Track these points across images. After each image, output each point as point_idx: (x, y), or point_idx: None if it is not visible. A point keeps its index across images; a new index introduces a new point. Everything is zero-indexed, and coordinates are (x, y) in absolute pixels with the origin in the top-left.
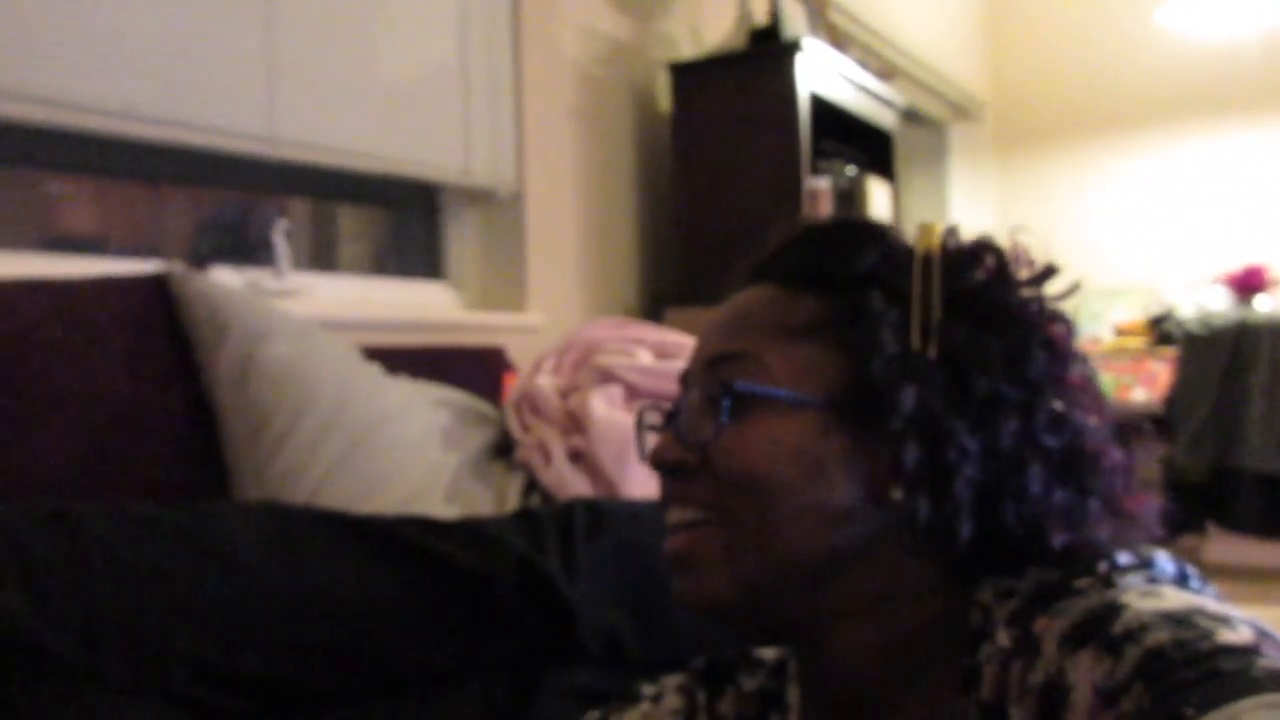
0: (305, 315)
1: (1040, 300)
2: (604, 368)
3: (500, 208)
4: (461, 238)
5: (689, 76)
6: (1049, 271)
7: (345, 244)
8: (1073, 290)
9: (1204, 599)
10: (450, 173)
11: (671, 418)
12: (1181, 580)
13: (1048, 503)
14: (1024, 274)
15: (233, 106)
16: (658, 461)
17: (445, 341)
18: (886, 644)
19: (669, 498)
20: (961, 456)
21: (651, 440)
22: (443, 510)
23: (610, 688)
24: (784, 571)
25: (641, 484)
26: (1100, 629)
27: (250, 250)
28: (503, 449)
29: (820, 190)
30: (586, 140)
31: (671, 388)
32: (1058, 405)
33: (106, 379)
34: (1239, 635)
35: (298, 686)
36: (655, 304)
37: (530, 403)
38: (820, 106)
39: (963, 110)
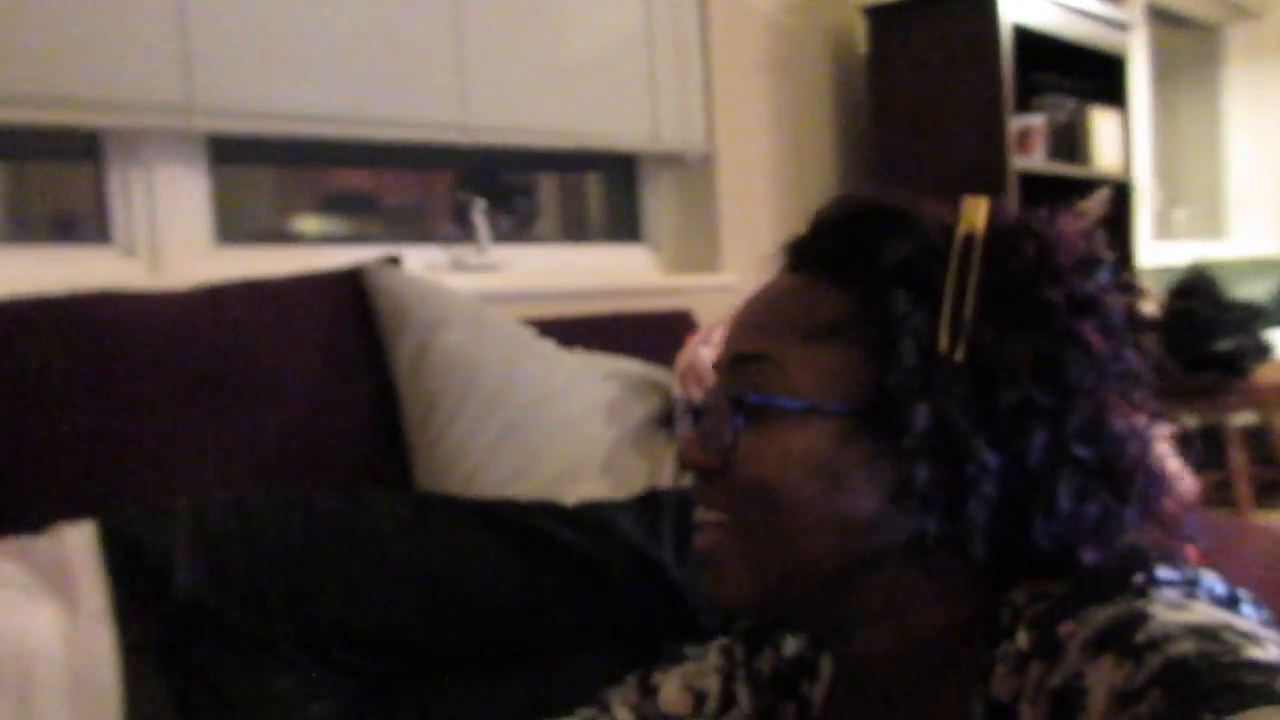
0: (505, 287)
1: (1085, 292)
2: None
3: (691, 170)
4: (657, 201)
5: (885, 18)
6: (1092, 262)
7: (547, 212)
8: (1129, 287)
9: (1239, 618)
10: (639, 141)
11: (699, 415)
12: (1231, 602)
13: (1079, 518)
14: (1068, 260)
15: (429, 101)
16: (683, 461)
17: (641, 306)
18: (912, 644)
19: (696, 496)
20: (980, 473)
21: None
22: (596, 484)
23: None
24: (803, 580)
25: None
26: (1123, 636)
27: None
28: (670, 418)
29: (1032, 128)
30: (778, 93)
31: None
32: (1094, 412)
33: (303, 370)
34: (1267, 653)
35: (432, 652)
36: None
37: (694, 372)
38: (1028, 38)
39: (1241, 8)
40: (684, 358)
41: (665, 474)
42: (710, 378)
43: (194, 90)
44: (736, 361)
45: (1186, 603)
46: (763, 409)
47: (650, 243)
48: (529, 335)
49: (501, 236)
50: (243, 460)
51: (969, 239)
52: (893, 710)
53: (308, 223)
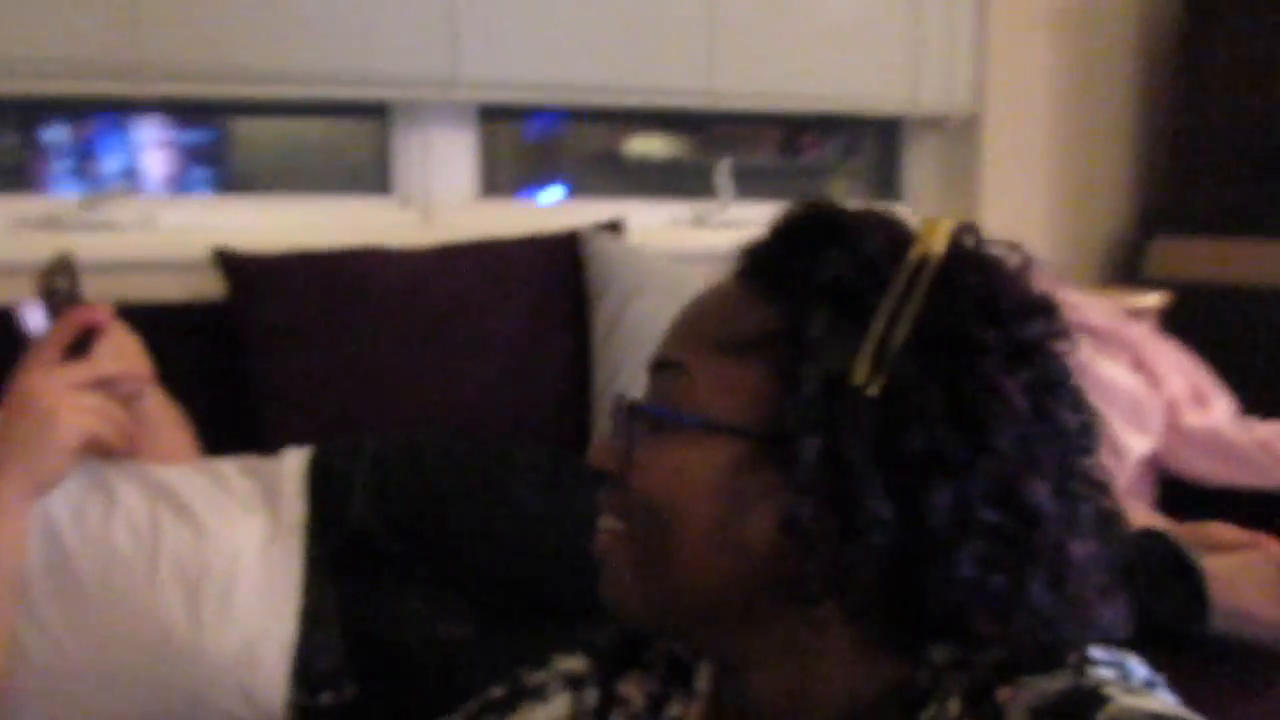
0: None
1: (1024, 339)
2: None
3: (954, 132)
4: (917, 163)
5: None
6: (1040, 306)
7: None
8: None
9: (1185, 711)
10: (895, 103)
11: (616, 416)
12: (1151, 687)
13: (979, 588)
14: (1011, 301)
15: (678, 68)
16: (591, 461)
17: None
18: (813, 694)
19: (601, 499)
20: (870, 521)
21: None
22: None
23: None
24: (691, 603)
25: None
26: (1081, 714)
27: None
28: None
29: None
30: (1065, 49)
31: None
32: (1008, 475)
33: (514, 327)
34: None
35: (550, 597)
36: (1144, 230)
37: None
38: None
39: None
40: None
41: None
42: None
43: (462, 65)
44: (654, 366)
45: (1140, 689)
46: (661, 420)
47: (908, 206)
48: None
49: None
50: (454, 405)
51: (921, 263)
52: None
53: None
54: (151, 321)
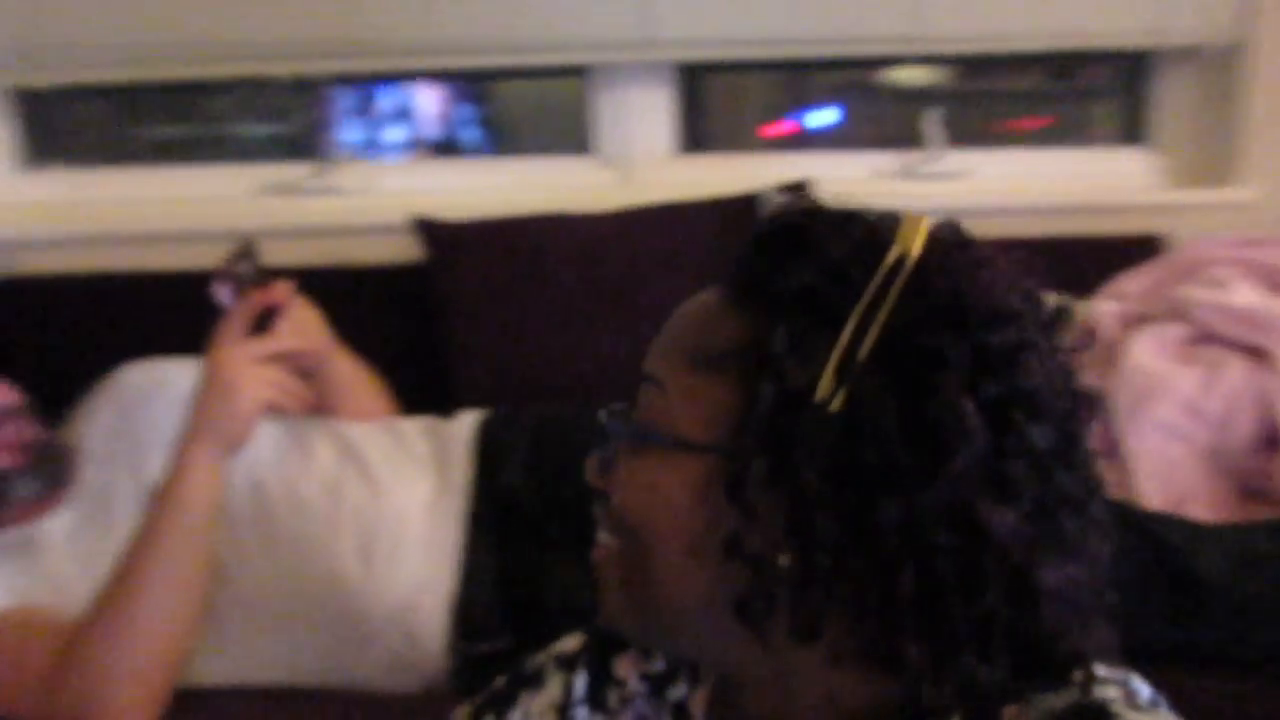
0: (958, 199)
1: (995, 350)
2: (1177, 300)
3: (1211, 65)
4: (1162, 100)
5: None
6: (1014, 314)
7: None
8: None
9: None
10: (1139, 35)
11: (603, 433)
12: (1154, 706)
13: (924, 612)
14: (981, 308)
15: (884, 14)
16: (586, 475)
17: (1126, 227)
18: (795, 704)
19: (597, 517)
20: (815, 546)
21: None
22: None
23: None
24: (671, 621)
25: (1153, 445)
26: None
27: None
28: None
29: None
30: None
31: (1259, 337)
32: (968, 496)
33: (675, 294)
34: None
35: None
36: None
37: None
38: None
39: None
40: (1079, 313)
41: None
42: (1097, 340)
43: (657, 27)
44: (642, 381)
45: (1149, 708)
46: (635, 437)
47: (1155, 147)
48: None
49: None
50: (631, 372)
51: (895, 268)
52: None
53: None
54: (364, 283)
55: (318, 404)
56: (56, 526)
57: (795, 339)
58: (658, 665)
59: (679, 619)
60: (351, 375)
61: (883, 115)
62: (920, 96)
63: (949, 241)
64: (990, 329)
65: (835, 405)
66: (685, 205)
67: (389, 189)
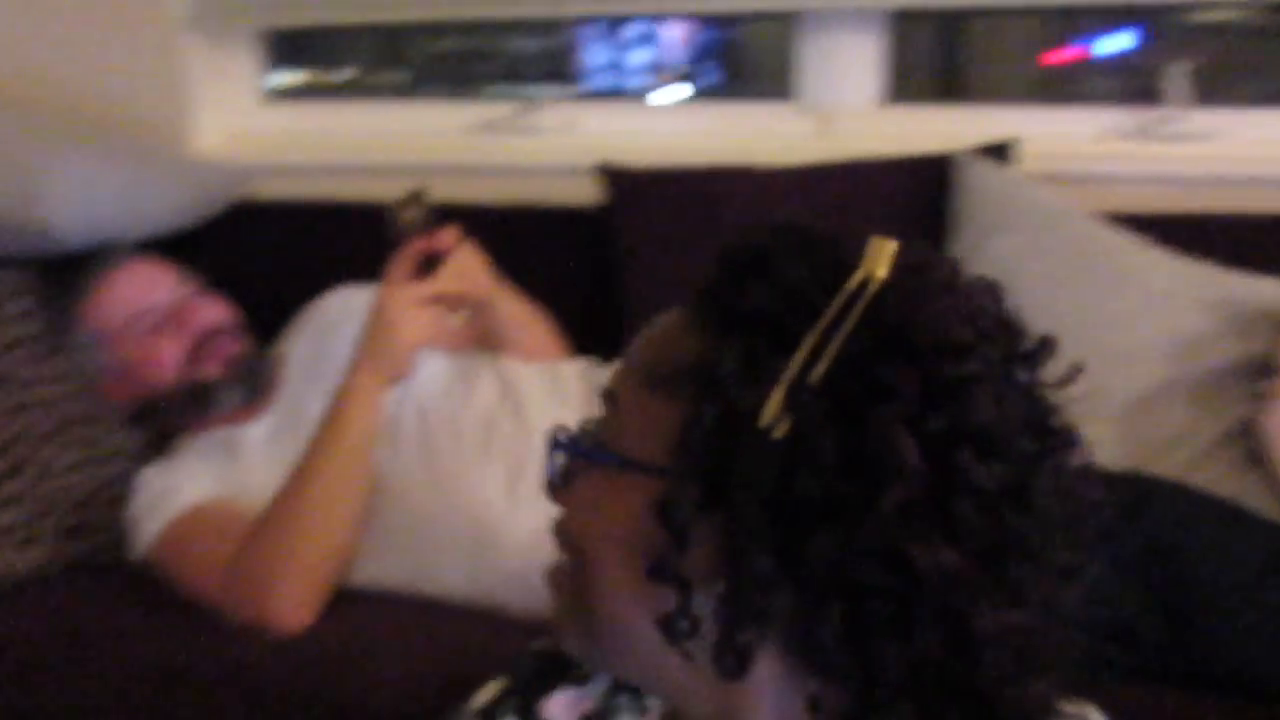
0: (1198, 165)
1: (944, 382)
2: None
3: None
4: None
5: None
6: (969, 344)
7: None
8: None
9: None
10: None
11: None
12: None
13: (842, 650)
14: (928, 337)
15: None
16: (543, 490)
17: None
18: None
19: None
20: (747, 577)
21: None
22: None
23: None
24: (617, 644)
25: None
26: None
27: None
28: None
29: None
30: None
31: None
32: (899, 534)
33: None
34: None
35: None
36: None
37: None
38: None
39: None
40: None
41: (1197, 446)
42: None
43: None
44: (603, 394)
45: None
46: (582, 454)
47: None
48: (1122, 247)
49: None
50: None
51: (857, 292)
52: None
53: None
54: (553, 224)
55: (482, 341)
56: (256, 432)
57: (745, 361)
58: (591, 704)
59: (619, 641)
60: (519, 316)
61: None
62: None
63: (916, 266)
64: (941, 360)
65: (778, 432)
66: (874, 163)
67: (590, 131)
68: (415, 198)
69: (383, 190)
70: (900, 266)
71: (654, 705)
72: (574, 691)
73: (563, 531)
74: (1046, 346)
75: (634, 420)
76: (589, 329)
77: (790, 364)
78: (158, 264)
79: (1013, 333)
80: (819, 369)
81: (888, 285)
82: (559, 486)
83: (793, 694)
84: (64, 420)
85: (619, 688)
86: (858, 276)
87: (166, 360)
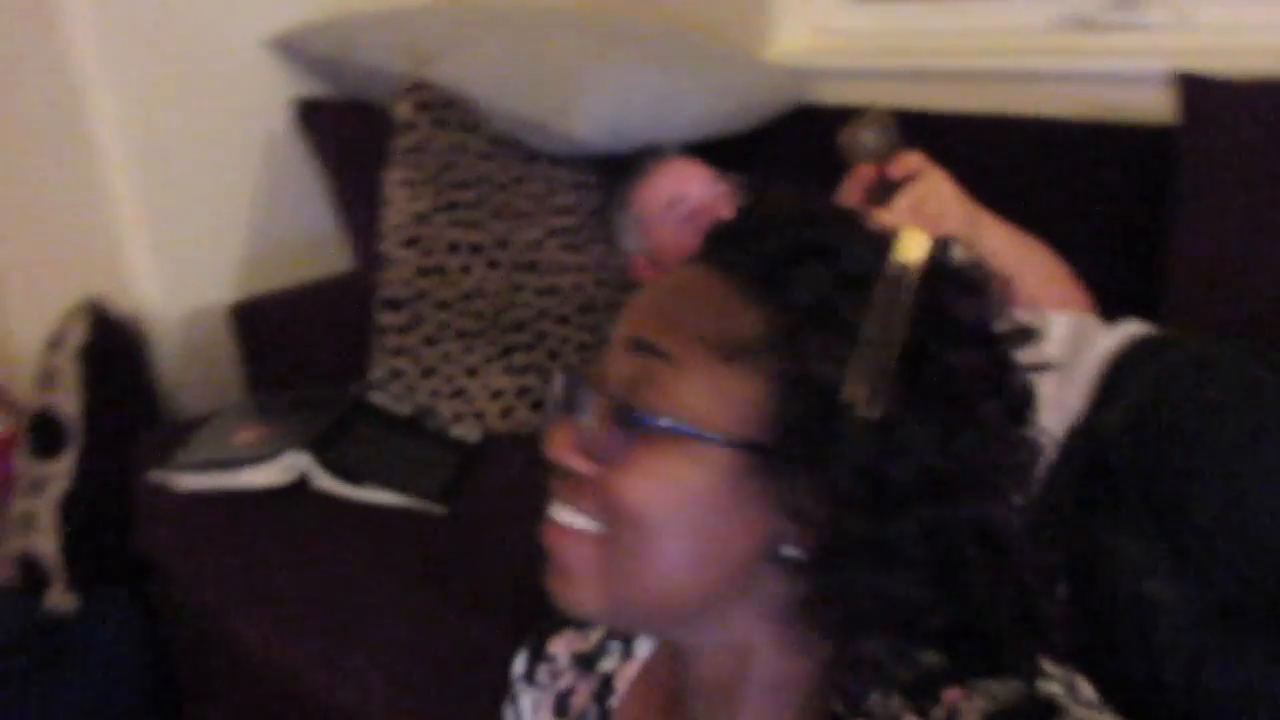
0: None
1: (1003, 363)
2: None
3: None
4: None
5: None
6: (1025, 334)
7: None
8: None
9: None
10: None
11: (572, 402)
12: (1100, 709)
13: (916, 608)
14: (1001, 323)
15: None
16: (551, 457)
17: None
18: (746, 678)
19: (558, 495)
20: (850, 552)
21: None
22: None
23: None
24: (655, 607)
25: None
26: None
27: None
28: None
29: None
30: None
31: None
32: (988, 501)
33: None
34: None
35: None
36: None
37: None
38: None
39: None
40: None
41: None
42: None
43: None
44: (635, 346)
45: (1099, 708)
46: (656, 426)
47: None
48: None
49: None
50: None
51: (899, 276)
52: None
53: None
54: (1115, 143)
55: None
56: None
57: (822, 342)
58: (589, 642)
59: (661, 605)
60: (1007, 256)
61: None
62: None
63: (942, 255)
64: (1004, 343)
65: (875, 413)
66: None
67: (1214, 25)
68: (874, 117)
69: (945, 98)
70: (931, 258)
71: (641, 653)
72: (574, 634)
73: (610, 500)
74: (1030, 334)
75: (702, 389)
76: (1122, 272)
77: (860, 346)
78: (695, 162)
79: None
80: (892, 351)
81: (932, 272)
82: (607, 455)
83: (809, 634)
84: (583, 306)
85: (612, 634)
86: (894, 264)
87: (689, 247)
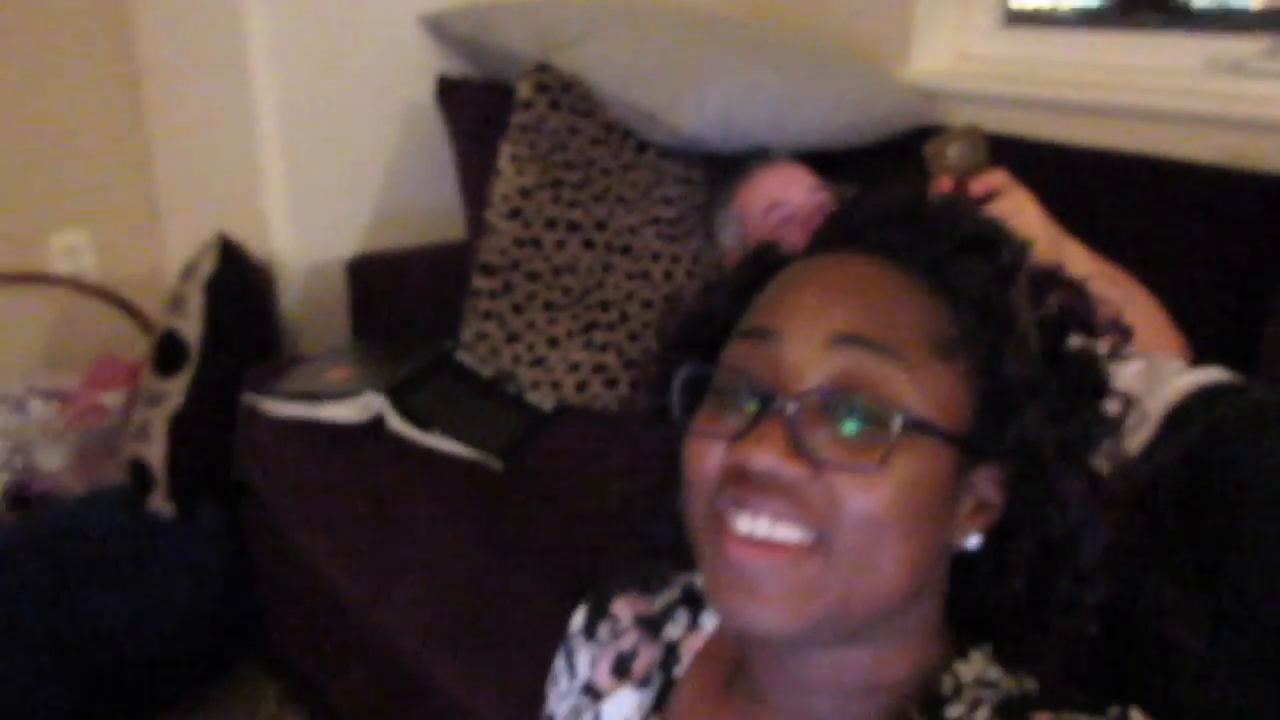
0: None
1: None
2: None
3: None
4: None
5: None
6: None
7: None
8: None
9: None
10: None
11: (767, 405)
12: None
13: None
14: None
15: None
16: (765, 465)
17: None
18: (857, 683)
19: (759, 507)
20: (1057, 506)
21: (729, 423)
22: None
23: None
24: (865, 615)
25: None
26: None
27: None
28: None
29: None
30: None
31: None
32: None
33: None
34: None
35: None
36: None
37: None
38: None
39: None
40: None
41: None
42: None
43: None
44: (849, 341)
45: None
46: (913, 425)
47: None
48: None
49: None
50: None
51: (1030, 265)
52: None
53: None
54: (1244, 190)
55: None
56: None
57: (997, 337)
58: (654, 606)
59: (873, 615)
60: (1091, 283)
61: None
62: None
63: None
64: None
65: (1052, 385)
66: None
67: None
68: (966, 133)
69: (1081, 131)
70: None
71: (708, 624)
72: (638, 595)
73: (854, 514)
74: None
75: (930, 387)
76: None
77: (1016, 324)
78: (800, 167)
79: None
80: (1034, 336)
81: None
82: (825, 458)
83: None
84: (670, 295)
85: (679, 602)
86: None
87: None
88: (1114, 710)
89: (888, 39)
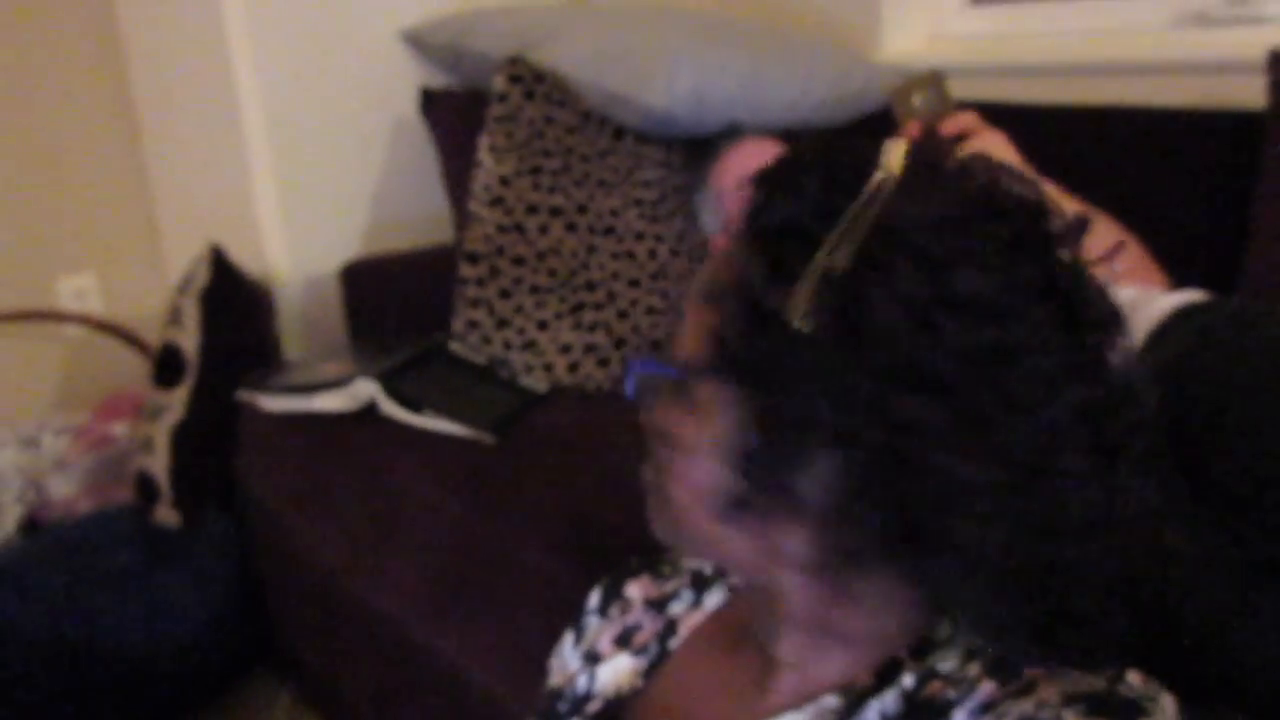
0: None
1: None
2: None
3: None
4: None
5: None
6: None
7: None
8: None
9: None
10: None
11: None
12: None
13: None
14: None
15: None
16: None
17: None
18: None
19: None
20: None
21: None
22: None
23: None
24: (680, 528)
25: None
26: (1124, 715)
27: None
28: None
29: None
30: None
31: None
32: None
33: None
34: None
35: None
36: None
37: None
38: None
39: None
40: None
41: None
42: None
43: None
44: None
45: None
46: (665, 372)
47: None
48: None
49: None
50: None
51: (875, 192)
52: (769, 665)
53: None
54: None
55: None
56: None
57: (772, 265)
58: (664, 589)
59: (684, 528)
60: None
61: None
62: None
63: (929, 161)
64: (928, 239)
65: (804, 325)
66: None
67: None
68: (928, 81)
69: (1055, 92)
70: (913, 163)
71: (710, 604)
72: (650, 579)
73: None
74: (1077, 227)
75: (691, 333)
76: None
77: (814, 263)
78: (769, 142)
79: (1031, 213)
80: (838, 262)
81: (900, 181)
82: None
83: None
84: (655, 273)
85: (686, 584)
86: (877, 177)
87: None
88: (1108, 671)
89: (859, 25)
